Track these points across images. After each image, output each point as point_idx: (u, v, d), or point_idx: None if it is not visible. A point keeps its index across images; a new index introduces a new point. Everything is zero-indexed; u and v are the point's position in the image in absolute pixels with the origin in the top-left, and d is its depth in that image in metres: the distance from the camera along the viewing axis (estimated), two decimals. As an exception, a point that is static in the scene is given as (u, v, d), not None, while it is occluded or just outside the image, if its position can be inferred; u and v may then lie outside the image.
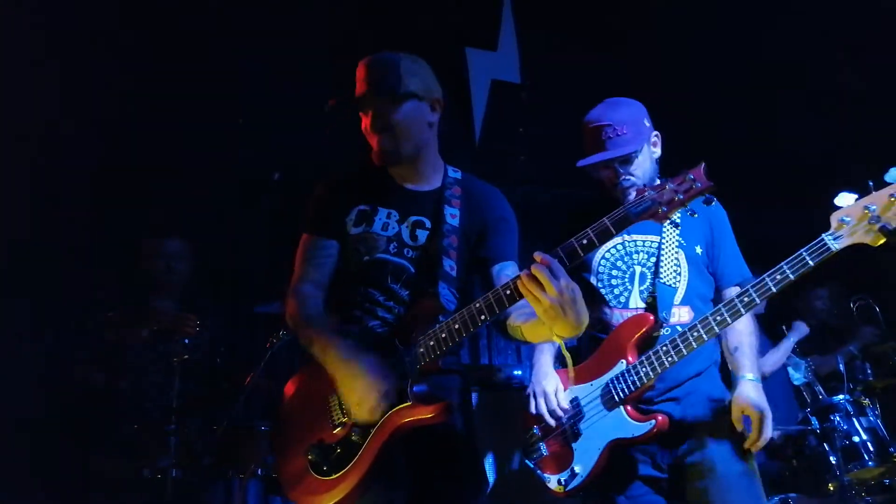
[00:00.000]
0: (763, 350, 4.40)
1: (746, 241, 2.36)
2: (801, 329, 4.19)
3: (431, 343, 1.64)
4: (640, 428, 2.05)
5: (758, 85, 4.83)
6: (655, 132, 2.28)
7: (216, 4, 4.06)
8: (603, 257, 2.25)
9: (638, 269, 2.22)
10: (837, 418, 3.56)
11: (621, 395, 2.08)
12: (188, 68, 3.97)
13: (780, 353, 4.23)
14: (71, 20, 3.64)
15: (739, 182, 2.87)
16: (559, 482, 2.14)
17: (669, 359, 2.02)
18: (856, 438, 3.55)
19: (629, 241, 2.26)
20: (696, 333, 2.00)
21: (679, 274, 2.20)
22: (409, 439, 1.64)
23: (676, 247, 2.22)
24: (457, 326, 1.61)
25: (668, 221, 1.80)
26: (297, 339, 1.78)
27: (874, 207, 1.71)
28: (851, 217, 1.73)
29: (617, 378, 2.10)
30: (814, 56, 4.55)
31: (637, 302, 2.19)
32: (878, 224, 1.69)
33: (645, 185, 1.58)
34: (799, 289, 4.76)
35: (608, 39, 4.83)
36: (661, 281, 2.17)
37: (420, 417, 1.61)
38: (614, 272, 2.24)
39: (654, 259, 2.22)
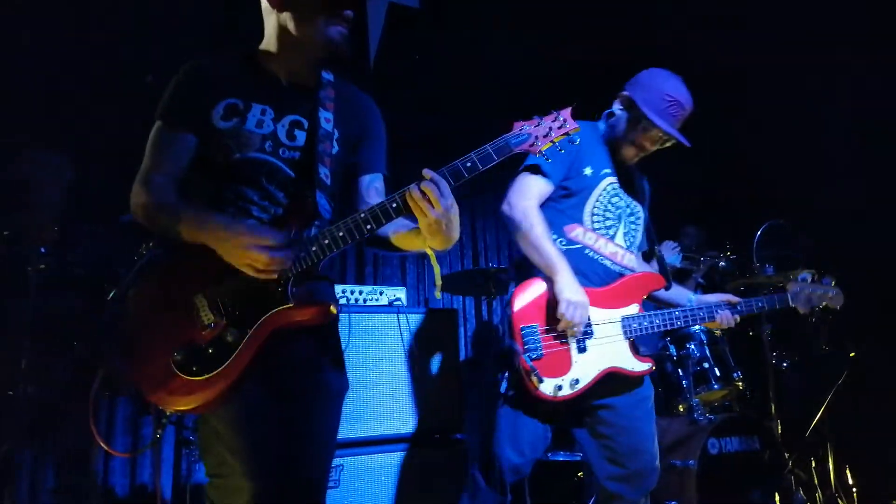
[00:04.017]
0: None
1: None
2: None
3: (314, 248, 1.62)
4: (639, 366, 2.37)
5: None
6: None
7: None
8: (610, 184, 2.48)
9: (625, 210, 2.52)
10: (692, 346, 3.84)
11: (630, 333, 2.38)
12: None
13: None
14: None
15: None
16: (557, 387, 2.24)
17: (678, 323, 2.46)
18: (706, 364, 3.84)
19: (615, 183, 2.50)
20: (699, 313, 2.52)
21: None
22: (287, 339, 1.63)
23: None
24: (341, 234, 1.61)
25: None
26: (150, 227, 1.67)
27: None
28: None
29: (631, 317, 2.39)
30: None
31: (620, 240, 2.50)
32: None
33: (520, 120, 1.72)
34: (676, 225, 5.08)
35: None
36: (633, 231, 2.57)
37: (300, 319, 1.62)
38: (610, 206, 2.48)
39: (633, 210, 2.56)
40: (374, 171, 1.88)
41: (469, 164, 1.61)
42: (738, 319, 2.56)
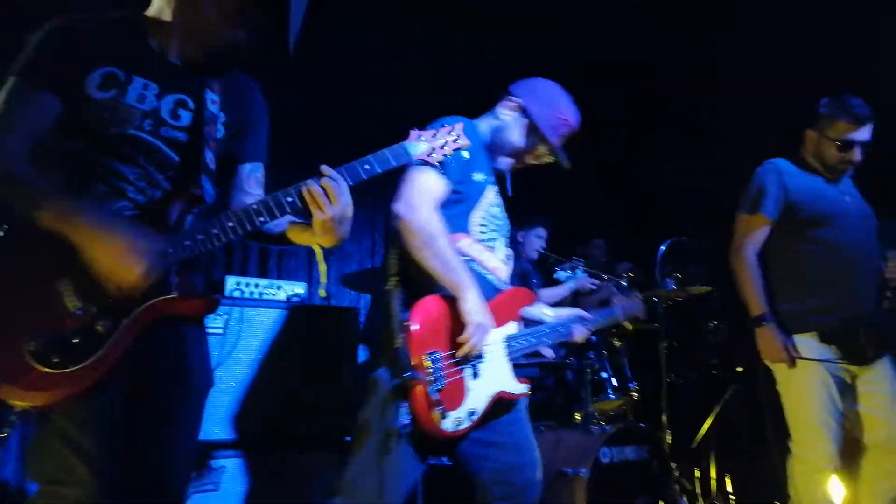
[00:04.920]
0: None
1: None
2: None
3: (200, 237, 1.52)
4: (520, 387, 2.18)
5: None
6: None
7: None
8: (494, 193, 2.29)
9: (503, 222, 2.33)
10: (592, 356, 3.91)
11: (512, 353, 2.19)
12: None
13: (549, 293, 4.58)
14: None
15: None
16: (458, 421, 1.98)
17: (548, 340, 2.34)
18: (603, 374, 3.93)
19: (497, 193, 2.30)
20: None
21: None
22: (157, 332, 1.52)
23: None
24: (231, 224, 1.54)
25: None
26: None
27: None
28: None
29: (512, 337, 2.21)
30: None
31: (500, 251, 2.30)
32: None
33: (416, 129, 1.73)
34: (582, 236, 5.17)
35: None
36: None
37: (183, 311, 1.55)
38: (492, 217, 2.27)
39: (506, 223, 2.36)
40: (256, 159, 1.83)
41: (367, 167, 1.61)
42: (591, 331, 2.51)
